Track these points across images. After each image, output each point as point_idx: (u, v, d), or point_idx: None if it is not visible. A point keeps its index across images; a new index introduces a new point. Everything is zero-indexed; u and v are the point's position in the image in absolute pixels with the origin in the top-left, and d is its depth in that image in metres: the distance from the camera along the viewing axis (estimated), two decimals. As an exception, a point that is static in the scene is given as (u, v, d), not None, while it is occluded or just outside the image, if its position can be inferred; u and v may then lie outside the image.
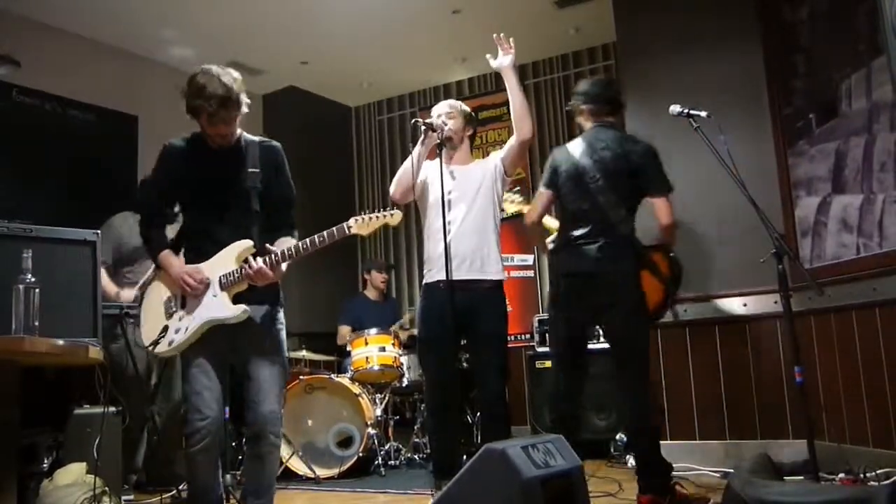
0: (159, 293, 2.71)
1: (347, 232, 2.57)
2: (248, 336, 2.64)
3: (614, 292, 3.11)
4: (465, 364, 4.62)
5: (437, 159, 3.18)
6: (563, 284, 3.23)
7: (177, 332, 2.62)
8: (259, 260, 2.55)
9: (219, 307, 2.58)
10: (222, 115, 2.54)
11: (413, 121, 3.31)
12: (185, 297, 2.64)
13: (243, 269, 2.56)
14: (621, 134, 3.33)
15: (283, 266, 2.60)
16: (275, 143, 2.79)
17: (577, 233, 3.20)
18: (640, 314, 3.16)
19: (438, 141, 3.20)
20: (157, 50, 5.38)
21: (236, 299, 2.60)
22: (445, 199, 3.13)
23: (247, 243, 2.60)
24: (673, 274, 3.27)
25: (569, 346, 3.25)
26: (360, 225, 2.58)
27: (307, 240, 2.58)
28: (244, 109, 2.60)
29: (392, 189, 3.32)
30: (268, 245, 2.59)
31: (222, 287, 2.59)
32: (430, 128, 3.23)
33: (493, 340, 3.23)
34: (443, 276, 3.13)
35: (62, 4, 4.62)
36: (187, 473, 2.63)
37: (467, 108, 3.48)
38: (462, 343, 3.41)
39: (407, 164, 3.28)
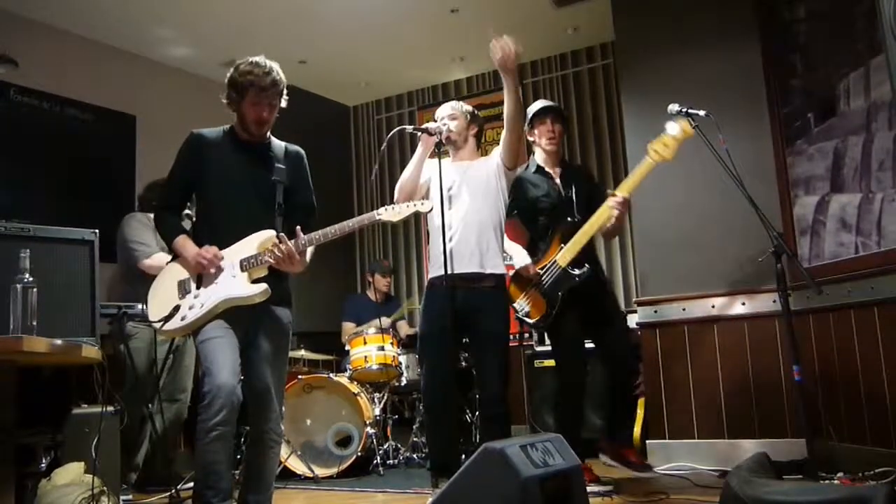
0: (173, 275, 2.69)
1: (377, 218, 2.63)
2: (265, 333, 2.64)
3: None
4: (464, 363, 4.62)
5: (446, 159, 3.22)
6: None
7: (191, 308, 2.60)
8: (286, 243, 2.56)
9: (238, 286, 2.58)
10: (270, 95, 2.61)
11: (399, 128, 3.36)
12: (202, 279, 2.62)
13: (269, 252, 2.56)
14: None
15: (308, 254, 2.62)
16: (300, 148, 2.83)
17: None
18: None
19: (438, 140, 3.22)
20: (155, 49, 5.37)
21: None
22: (447, 196, 3.16)
23: (270, 233, 2.63)
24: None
25: None
26: (390, 213, 2.62)
27: (335, 226, 2.61)
28: (283, 103, 2.69)
29: (396, 196, 3.34)
30: (297, 230, 2.60)
31: (243, 269, 2.60)
32: (426, 131, 3.24)
33: (493, 341, 3.24)
34: (437, 273, 3.17)
35: (60, 4, 4.61)
36: (197, 455, 2.44)
37: (470, 108, 3.51)
38: (464, 342, 3.44)
39: (407, 170, 3.31)
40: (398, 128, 3.34)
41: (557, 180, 3.65)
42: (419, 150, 3.30)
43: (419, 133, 3.28)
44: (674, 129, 3.17)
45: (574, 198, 3.59)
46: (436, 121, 3.43)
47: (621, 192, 3.32)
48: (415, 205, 2.65)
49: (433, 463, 3.35)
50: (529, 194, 3.61)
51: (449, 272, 3.09)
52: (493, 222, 3.32)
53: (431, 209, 2.72)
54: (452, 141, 3.37)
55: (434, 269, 3.31)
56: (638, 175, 3.31)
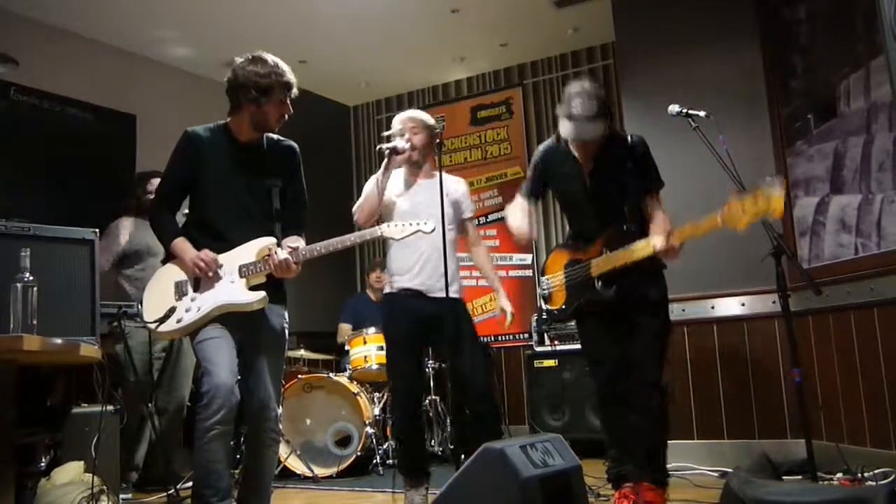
0: (170, 275, 2.66)
1: (379, 234, 2.65)
2: (262, 333, 2.64)
3: None
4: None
5: (399, 170, 3.28)
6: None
7: (187, 311, 2.58)
8: (283, 252, 2.56)
9: (236, 292, 2.57)
10: (291, 92, 2.64)
11: (378, 147, 3.31)
12: (199, 282, 2.60)
13: (267, 260, 2.56)
14: None
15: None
16: (293, 143, 2.81)
17: None
18: None
19: (403, 156, 3.25)
20: (155, 49, 5.37)
21: None
22: (412, 212, 3.19)
23: (270, 240, 2.62)
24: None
25: None
26: (392, 230, 2.65)
27: (337, 238, 2.61)
28: None
29: (356, 214, 3.29)
30: (292, 242, 2.60)
31: (241, 275, 2.59)
32: (395, 151, 3.23)
33: (469, 340, 3.24)
34: (405, 285, 3.24)
35: (61, 3, 4.61)
36: (196, 455, 2.43)
37: (430, 120, 3.40)
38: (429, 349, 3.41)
39: (369, 189, 3.28)
40: (378, 146, 3.30)
41: (586, 176, 3.07)
42: (383, 169, 3.24)
43: (387, 152, 3.23)
44: (766, 193, 2.68)
45: (606, 202, 3.05)
46: (401, 130, 3.34)
47: (675, 239, 2.86)
48: (418, 224, 2.68)
49: (406, 465, 3.31)
50: (552, 173, 3.17)
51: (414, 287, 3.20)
52: (453, 243, 3.34)
53: (434, 230, 2.72)
54: (415, 161, 3.34)
55: (393, 282, 3.33)
56: (698, 229, 2.85)
